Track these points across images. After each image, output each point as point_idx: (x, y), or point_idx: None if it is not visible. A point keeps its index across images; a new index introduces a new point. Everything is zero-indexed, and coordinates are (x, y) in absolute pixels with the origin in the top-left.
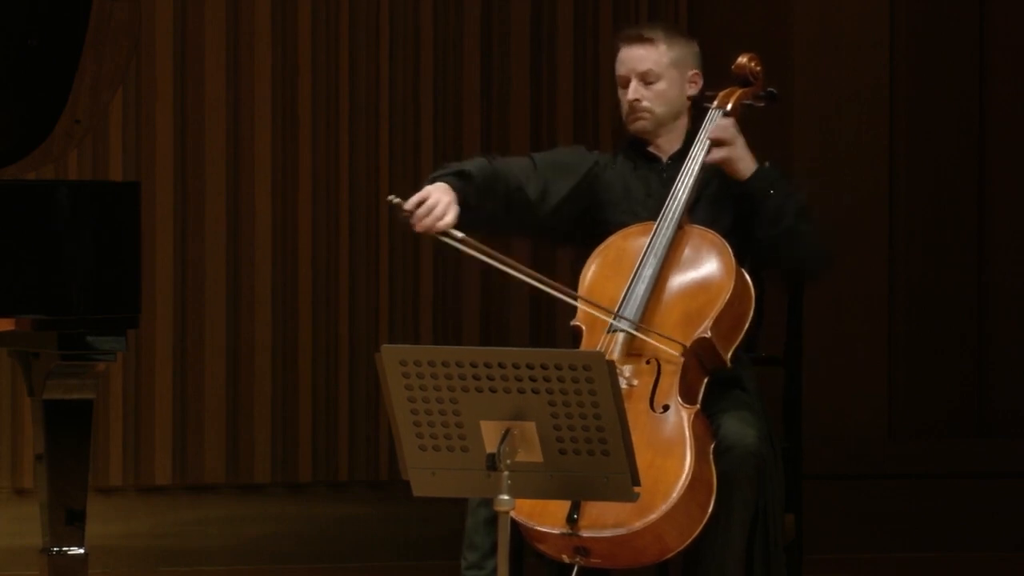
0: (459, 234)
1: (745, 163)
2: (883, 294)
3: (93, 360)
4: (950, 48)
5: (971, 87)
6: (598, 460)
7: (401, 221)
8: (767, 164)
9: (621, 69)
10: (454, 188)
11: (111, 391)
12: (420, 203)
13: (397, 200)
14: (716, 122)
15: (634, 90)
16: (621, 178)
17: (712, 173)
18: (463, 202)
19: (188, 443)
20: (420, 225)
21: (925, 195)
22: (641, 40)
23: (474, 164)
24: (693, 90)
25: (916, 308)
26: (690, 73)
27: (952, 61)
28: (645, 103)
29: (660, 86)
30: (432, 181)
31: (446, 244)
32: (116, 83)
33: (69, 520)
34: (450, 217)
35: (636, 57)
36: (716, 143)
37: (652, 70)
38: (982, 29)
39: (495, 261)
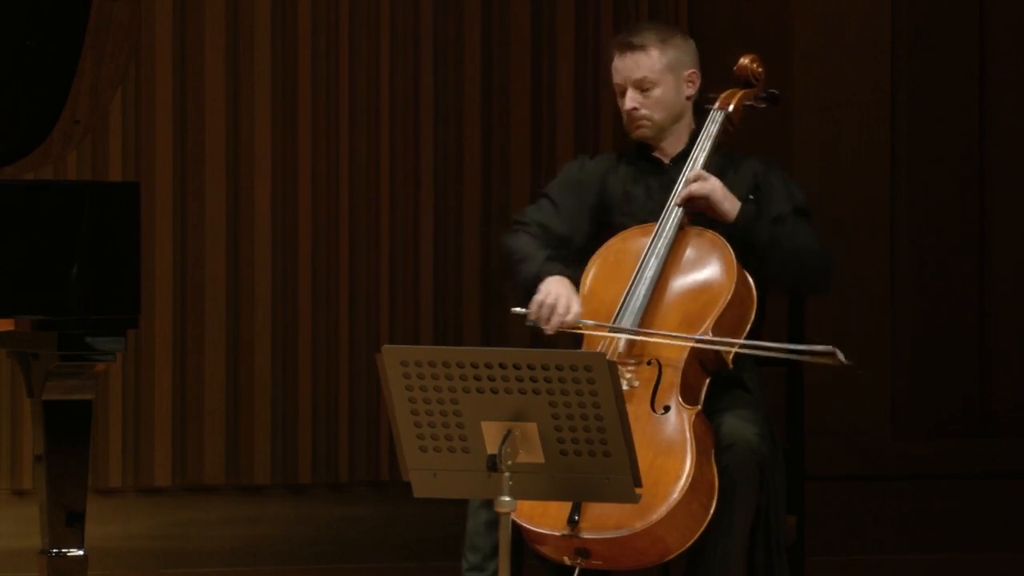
0: (590, 323)
1: (727, 205)
2: (886, 294)
3: (92, 360)
4: (952, 50)
5: (972, 88)
6: (599, 461)
7: (531, 328)
8: (750, 197)
9: (617, 78)
10: (564, 273)
11: (111, 392)
12: (541, 305)
13: (520, 310)
14: (686, 178)
15: (631, 99)
16: (622, 182)
17: (714, 172)
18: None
19: (188, 444)
20: (549, 326)
21: (927, 196)
22: (633, 48)
23: (534, 241)
24: (691, 90)
25: (919, 308)
26: (686, 73)
27: (954, 63)
28: (644, 111)
29: (657, 92)
30: (533, 277)
31: (582, 336)
32: (116, 83)
33: (68, 521)
34: (575, 307)
35: (630, 65)
36: (690, 202)
37: (647, 77)
38: (983, 30)
39: (639, 336)
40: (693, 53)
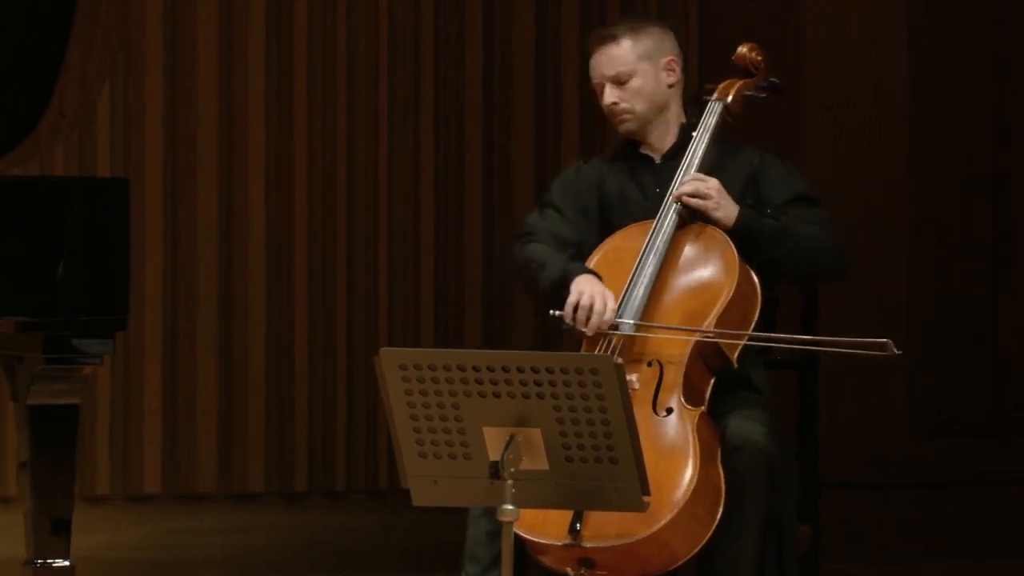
0: (629, 322)
1: (726, 210)
2: (902, 295)
3: (79, 363)
4: (969, 47)
5: (989, 86)
6: (606, 468)
7: (567, 330)
8: (748, 201)
9: (593, 77)
10: (591, 271)
11: (99, 395)
12: (576, 307)
13: (558, 313)
14: (682, 180)
15: (609, 94)
16: (618, 183)
17: (711, 167)
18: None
19: (179, 450)
20: (589, 328)
21: (944, 195)
22: (603, 41)
23: (549, 247)
24: (672, 77)
25: (932, 312)
26: (664, 60)
27: (971, 60)
28: (623, 104)
29: (634, 83)
30: (559, 279)
31: (620, 335)
32: (104, 77)
33: (55, 530)
34: (612, 304)
35: (603, 61)
36: (688, 202)
37: (621, 71)
38: (1001, 18)
39: (673, 333)
40: (671, 41)
